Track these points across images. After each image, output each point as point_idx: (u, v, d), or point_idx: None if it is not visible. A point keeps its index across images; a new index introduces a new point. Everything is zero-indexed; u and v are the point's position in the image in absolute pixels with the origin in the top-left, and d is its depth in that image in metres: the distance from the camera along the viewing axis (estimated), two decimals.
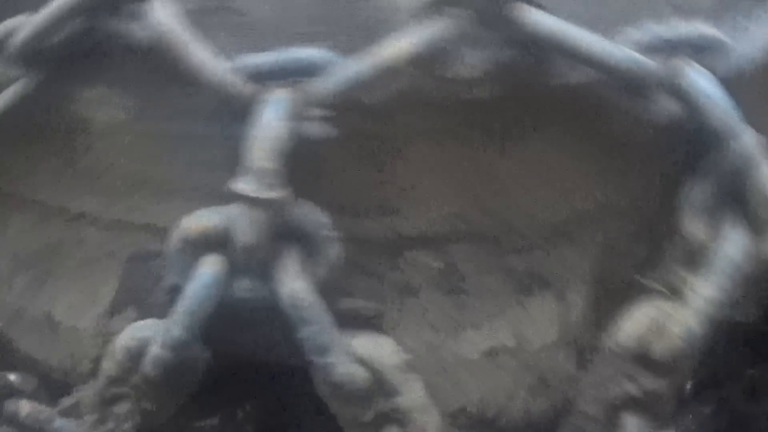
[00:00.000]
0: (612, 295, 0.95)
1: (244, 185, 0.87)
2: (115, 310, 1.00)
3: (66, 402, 1.02)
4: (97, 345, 1.00)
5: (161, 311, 0.95)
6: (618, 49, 0.88)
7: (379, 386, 0.91)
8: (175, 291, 0.94)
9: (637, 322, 0.91)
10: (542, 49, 0.88)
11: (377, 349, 0.91)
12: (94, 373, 0.99)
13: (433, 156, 0.93)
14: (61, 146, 0.98)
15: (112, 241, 0.99)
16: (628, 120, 0.91)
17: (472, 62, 0.88)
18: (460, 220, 0.94)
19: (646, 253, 0.95)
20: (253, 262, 0.89)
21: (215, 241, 0.90)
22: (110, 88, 0.95)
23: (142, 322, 0.96)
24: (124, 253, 0.99)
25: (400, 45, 0.87)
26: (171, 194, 0.96)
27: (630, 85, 0.89)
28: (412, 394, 0.92)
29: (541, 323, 0.95)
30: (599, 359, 0.93)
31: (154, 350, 0.92)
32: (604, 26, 0.89)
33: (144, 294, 0.98)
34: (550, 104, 0.91)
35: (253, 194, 0.86)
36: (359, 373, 0.90)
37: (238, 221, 0.88)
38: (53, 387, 1.04)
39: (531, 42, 0.88)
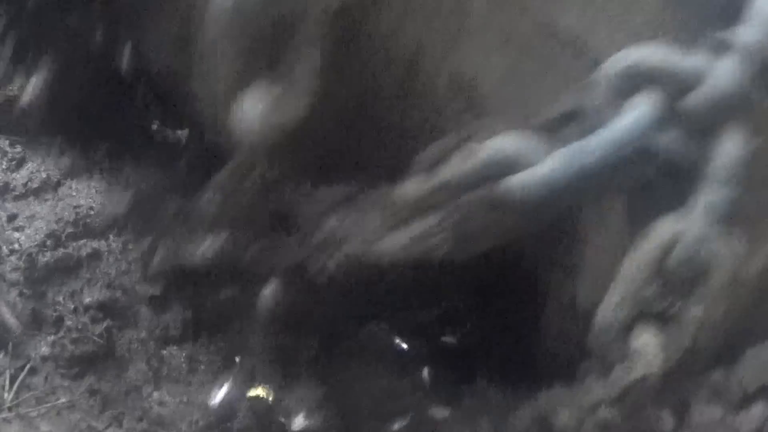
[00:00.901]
0: None
1: (751, 33, 0.84)
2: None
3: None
4: None
5: (545, 128, 0.91)
6: None
7: None
8: (571, 117, 0.90)
9: None
10: None
11: None
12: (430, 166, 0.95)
13: None
14: None
15: None
16: None
17: None
18: None
19: None
20: (709, 116, 0.86)
21: (666, 82, 0.86)
22: None
23: (519, 138, 0.91)
24: None
25: None
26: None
27: None
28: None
29: None
30: None
31: (535, 175, 0.88)
32: None
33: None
34: None
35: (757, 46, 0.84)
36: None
37: (717, 71, 0.85)
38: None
39: None
